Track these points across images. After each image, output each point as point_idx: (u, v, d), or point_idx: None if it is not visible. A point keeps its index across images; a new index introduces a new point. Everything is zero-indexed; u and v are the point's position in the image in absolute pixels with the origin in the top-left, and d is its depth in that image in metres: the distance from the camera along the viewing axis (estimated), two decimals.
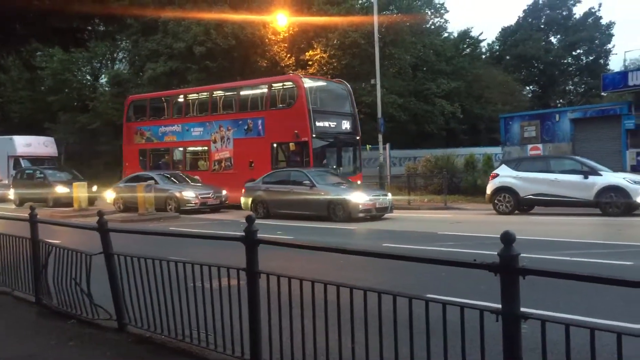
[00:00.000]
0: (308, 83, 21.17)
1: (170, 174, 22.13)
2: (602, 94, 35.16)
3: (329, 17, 32.75)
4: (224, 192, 20.50)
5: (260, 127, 21.36)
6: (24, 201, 24.52)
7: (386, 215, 16.56)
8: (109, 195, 22.19)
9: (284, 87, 21.81)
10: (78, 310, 5.65)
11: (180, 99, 25.57)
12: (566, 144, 24.82)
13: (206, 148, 23.36)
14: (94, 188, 23.79)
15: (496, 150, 30.41)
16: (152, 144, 25.51)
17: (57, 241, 6.92)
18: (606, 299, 5.73)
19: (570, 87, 57.87)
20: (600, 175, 15.08)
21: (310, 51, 33.72)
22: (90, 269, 5.40)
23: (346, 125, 21.52)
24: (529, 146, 26.15)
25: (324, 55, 33.30)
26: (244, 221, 4.11)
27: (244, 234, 4.01)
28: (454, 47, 45.94)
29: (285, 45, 34.08)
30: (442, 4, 44.70)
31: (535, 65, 54.45)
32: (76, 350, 4.89)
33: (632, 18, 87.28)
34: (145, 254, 4.99)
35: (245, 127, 21.80)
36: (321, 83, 22.92)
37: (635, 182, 14.66)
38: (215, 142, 22.82)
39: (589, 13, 54.15)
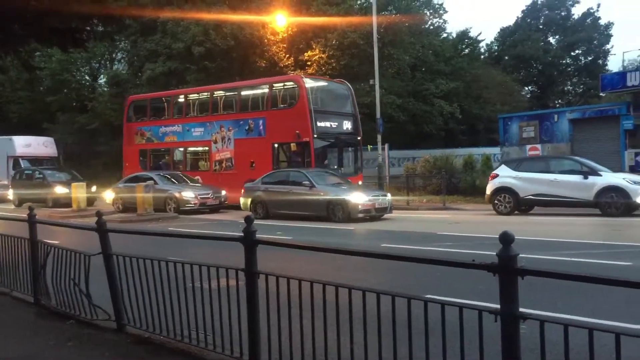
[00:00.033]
0: (309, 83, 21.11)
1: (170, 175, 22.10)
2: (601, 94, 35.20)
3: (327, 17, 32.75)
4: (223, 192, 20.48)
5: (261, 128, 21.32)
6: (23, 201, 24.49)
7: (385, 216, 16.56)
8: (108, 195, 22.17)
9: (285, 87, 21.76)
10: (77, 310, 5.64)
11: (181, 99, 25.52)
12: (565, 145, 24.85)
13: (207, 148, 23.30)
14: (93, 188, 23.78)
15: (495, 150, 30.47)
16: (152, 144, 25.46)
17: (56, 242, 6.91)
18: (606, 299, 5.74)
19: (569, 87, 57.97)
20: (600, 175, 15.08)
21: (309, 51, 33.72)
22: (89, 270, 5.40)
23: (347, 125, 21.48)
24: (528, 146, 26.18)
25: (322, 55, 33.30)
26: (243, 222, 4.11)
27: (242, 234, 4.01)
28: (452, 48, 46.00)
29: (284, 45, 34.08)
30: (441, 4, 44.86)
31: (534, 65, 54.53)
32: (75, 351, 4.89)
33: (631, 18, 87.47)
34: (144, 254, 4.98)
35: (246, 128, 21.76)
36: (322, 83, 22.85)
37: (635, 183, 14.67)
38: (216, 142, 22.77)
39: (588, 13, 54.28)
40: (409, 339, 3.13)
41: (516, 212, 16.41)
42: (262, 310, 3.99)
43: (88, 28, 48.20)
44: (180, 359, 4.55)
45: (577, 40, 53.27)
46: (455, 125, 41.98)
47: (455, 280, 6.79)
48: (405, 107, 37.83)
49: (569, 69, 56.31)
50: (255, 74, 30.13)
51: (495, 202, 16.56)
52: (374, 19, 25.25)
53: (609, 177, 15.07)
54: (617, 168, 19.38)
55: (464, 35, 49.45)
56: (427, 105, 39.58)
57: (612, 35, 54.28)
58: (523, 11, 57.00)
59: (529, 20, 56.20)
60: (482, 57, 52.90)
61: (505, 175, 16.49)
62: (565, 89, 57.65)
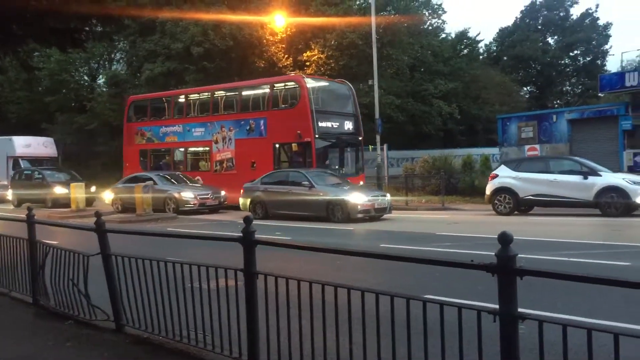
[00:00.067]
0: (311, 83, 21.05)
1: (169, 175, 22.07)
2: (599, 94, 35.29)
3: (326, 17, 32.76)
4: (223, 192, 20.46)
5: (262, 128, 21.27)
6: (22, 202, 24.47)
7: (385, 216, 16.56)
8: (107, 196, 22.16)
9: (287, 87, 21.72)
10: (75, 311, 5.64)
11: (182, 99, 25.47)
12: (563, 145, 24.91)
13: (208, 148, 23.24)
14: (93, 189, 23.77)
15: (494, 150, 30.51)
16: (152, 145, 25.41)
17: (55, 242, 6.91)
18: (605, 299, 5.74)
19: (568, 87, 58.04)
20: (600, 175, 15.08)
21: (307, 52, 33.74)
22: (87, 270, 5.40)
23: (349, 125, 21.44)
24: (527, 147, 26.25)
25: (321, 56, 33.32)
26: (242, 222, 4.11)
27: (241, 234, 4.01)
28: (451, 48, 46.03)
29: (283, 46, 34.09)
30: (440, 4, 44.93)
31: (533, 66, 54.59)
32: (73, 351, 4.88)
33: (629, 19, 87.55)
34: (143, 254, 4.98)
35: (247, 128, 21.71)
36: (324, 83, 22.80)
37: (634, 183, 14.67)
38: (216, 142, 22.72)
39: (586, 14, 54.35)
40: (408, 339, 3.13)
41: (516, 212, 16.41)
42: (261, 311, 3.99)
43: (87, 28, 47.95)
44: (179, 359, 4.54)
45: (576, 41, 53.33)
46: (454, 125, 42.01)
47: (454, 280, 6.79)
48: (404, 107, 37.85)
49: (568, 69, 56.37)
50: (254, 75, 30.13)
51: (495, 202, 16.56)
52: (373, 19, 25.25)
53: (608, 178, 15.07)
54: (616, 168, 19.41)
55: (462, 35, 49.48)
56: (426, 106, 39.60)
57: (610, 36, 54.47)
58: (522, 11, 57.12)
59: (527, 20, 56.26)
60: (480, 57, 52.94)
61: (505, 176, 16.50)
62: (564, 89, 57.72)
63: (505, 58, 54.65)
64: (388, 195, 17.36)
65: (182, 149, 24.57)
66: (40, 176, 25.38)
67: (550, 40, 56.13)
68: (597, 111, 25.40)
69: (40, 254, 6.22)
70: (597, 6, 69.64)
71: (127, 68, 43.84)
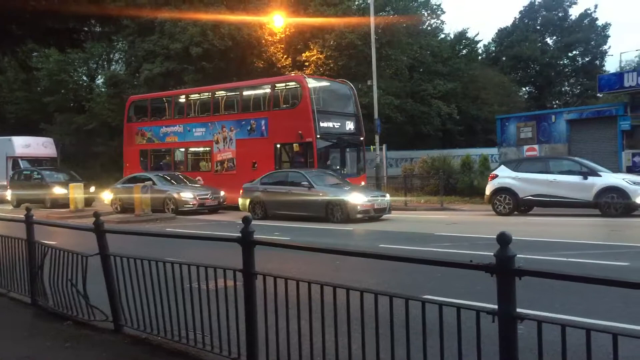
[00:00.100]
0: (312, 83, 21.00)
1: (169, 175, 22.05)
2: (598, 95, 35.37)
3: (325, 18, 32.75)
4: (222, 193, 20.44)
5: (263, 128, 21.22)
6: (21, 202, 24.43)
7: (384, 216, 16.57)
8: (107, 196, 22.14)
9: (288, 87, 21.69)
10: (74, 311, 5.63)
11: (182, 99, 25.41)
12: (562, 145, 24.93)
13: (208, 149, 23.18)
14: (92, 189, 23.74)
15: (492, 151, 30.53)
16: (153, 145, 25.37)
17: (53, 242, 6.90)
18: (604, 299, 5.74)
19: (566, 88, 58.09)
20: (600, 176, 15.08)
21: (306, 52, 33.73)
22: (86, 270, 5.39)
23: (350, 125, 21.39)
24: (525, 147, 26.27)
25: (320, 56, 33.32)
26: (241, 222, 4.11)
27: (240, 235, 4.01)
28: (450, 48, 46.05)
29: (282, 46, 34.09)
30: (439, 5, 44.98)
31: (532, 66, 54.62)
32: (72, 352, 4.88)
33: (628, 19, 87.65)
34: (142, 255, 4.98)
35: (248, 128, 21.65)
36: (325, 83, 22.72)
37: (634, 183, 14.66)
38: (217, 142, 22.67)
39: (585, 14, 54.42)
40: (407, 340, 3.13)
41: (515, 212, 16.42)
42: (259, 311, 3.99)
43: (86, 28, 47.96)
44: (177, 359, 4.54)
45: (575, 41, 53.38)
46: (452, 125, 42.03)
47: (453, 280, 6.80)
48: (402, 107, 37.86)
49: (567, 69, 56.42)
50: (252, 75, 30.12)
51: (495, 202, 16.55)
52: (372, 19, 25.25)
53: (608, 178, 15.07)
54: (614, 169, 19.44)
55: (461, 36, 49.53)
56: (425, 106, 39.61)
57: (609, 36, 54.51)
58: (520, 12, 57.20)
59: (526, 21, 56.32)
60: (479, 57, 52.97)
61: (504, 176, 16.50)
62: (563, 89, 57.78)
63: (504, 58, 54.69)
64: (387, 195, 17.36)
65: (182, 149, 24.51)
66: (39, 176, 25.36)
67: (549, 41, 56.20)
68: (595, 111, 25.43)
69: (38, 255, 6.21)
70: (596, 6, 69.95)
71: (125, 68, 43.80)
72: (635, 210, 14.78)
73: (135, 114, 26.50)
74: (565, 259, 8.54)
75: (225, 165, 22.52)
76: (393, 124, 36.42)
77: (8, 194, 26.10)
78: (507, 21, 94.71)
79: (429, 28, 45.43)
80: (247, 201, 18.04)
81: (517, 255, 2.72)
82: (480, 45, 53.76)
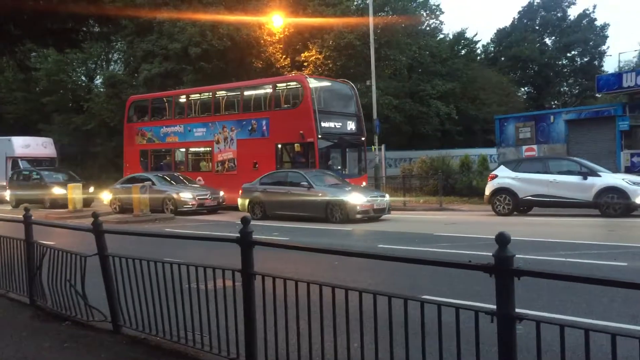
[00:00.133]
0: (313, 83, 20.91)
1: (168, 175, 22.00)
2: (597, 95, 35.43)
3: (324, 18, 32.74)
4: (222, 193, 20.41)
5: (264, 128, 21.14)
6: (20, 202, 24.39)
7: (383, 217, 16.56)
8: (106, 196, 22.12)
9: (289, 87, 21.60)
10: (73, 311, 5.63)
11: (183, 99, 25.33)
12: (561, 145, 24.95)
13: (209, 149, 23.09)
14: (91, 189, 23.71)
15: (491, 151, 30.56)
16: (153, 145, 25.29)
17: (52, 242, 6.89)
18: (602, 300, 5.75)
19: (565, 88, 58.17)
20: (599, 176, 15.07)
21: (305, 52, 33.70)
22: (85, 271, 5.39)
23: (351, 125, 21.32)
24: (524, 147, 26.28)
25: (319, 56, 33.30)
26: (240, 223, 4.11)
27: (239, 235, 4.01)
28: (449, 49, 46.09)
29: (281, 46, 34.07)
30: (438, 5, 45.08)
31: (530, 66, 54.69)
32: (71, 352, 4.87)
33: (627, 20, 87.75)
34: (141, 255, 4.97)
35: (249, 128, 21.58)
36: (326, 83, 22.65)
37: (634, 183, 14.65)
38: (218, 142, 22.59)
39: (584, 15, 54.50)
40: (406, 340, 3.13)
41: (515, 212, 16.41)
42: (258, 311, 3.99)
43: (84, 29, 47.93)
44: None
45: (573, 42, 53.45)
46: (451, 126, 42.06)
47: (451, 281, 6.80)
48: (401, 108, 37.87)
49: (565, 70, 56.50)
50: (251, 75, 30.10)
51: (495, 202, 16.53)
52: (371, 19, 25.26)
53: (608, 178, 15.06)
54: (613, 169, 19.44)
55: (460, 36, 49.56)
56: (424, 106, 39.63)
57: (607, 37, 54.60)
58: (519, 12, 57.28)
59: (525, 21, 56.39)
60: (478, 58, 53.03)
61: (504, 176, 16.49)
62: (561, 89, 57.86)
63: (502, 59, 54.74)
64: (387, 195, 17.35)
65: (183, 150, 24.44)
66: (39, 177, 25.33)
67: (548, 41, 56.29)
68: (594, 112, 25.44)
69: (37, 255, 6.21)
70: (595, 7, 70.14)
71: (124, 68, 43.75)
72: (634, 210, 14.78)
73: (136, 114, 26.43)
74: (564, 259, 8.54)
75: (226, 166, 22.48)
76: (392, 124, 36.43)
77: (7, 194, 26.08)
78: (506, 21, 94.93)
79: (427, 28, 45.44)
80: (247, 201, 18.02)
81: (516, 256, 2.72)
82: (479, 45, 53.93)
